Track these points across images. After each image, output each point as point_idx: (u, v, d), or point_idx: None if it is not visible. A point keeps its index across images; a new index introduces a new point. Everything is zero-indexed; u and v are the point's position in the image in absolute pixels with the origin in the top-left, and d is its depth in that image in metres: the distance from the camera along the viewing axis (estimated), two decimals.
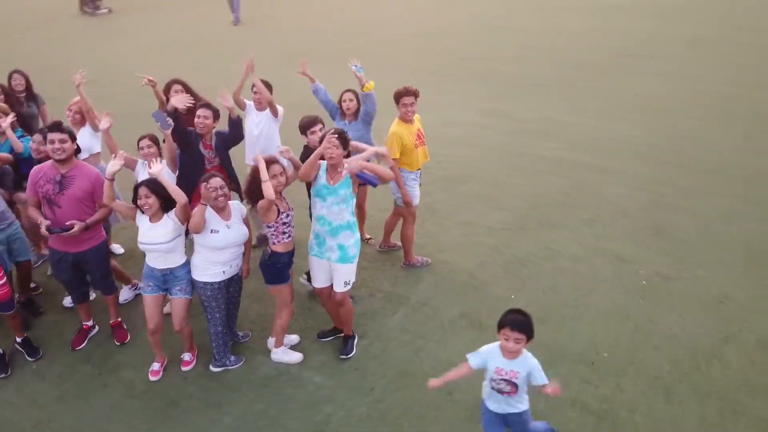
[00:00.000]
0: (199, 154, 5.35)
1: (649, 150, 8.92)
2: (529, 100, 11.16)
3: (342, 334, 5.16)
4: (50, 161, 4.65)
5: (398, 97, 5.53)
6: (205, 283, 4.57)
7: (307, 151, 5.18)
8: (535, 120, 10.17)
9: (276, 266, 4.56)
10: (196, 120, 5.38)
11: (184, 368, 4.98)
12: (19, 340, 5.11)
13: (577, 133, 9.56)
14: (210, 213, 4.43)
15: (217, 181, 4.37)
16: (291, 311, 4.83)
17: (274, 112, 6.11)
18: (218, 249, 4.47)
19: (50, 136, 4.49)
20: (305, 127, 5.27)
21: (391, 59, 13.82)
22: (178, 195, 4.36)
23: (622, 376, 4.83)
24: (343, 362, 5.00)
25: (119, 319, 5.31)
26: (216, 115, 5.44)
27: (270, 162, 4.41)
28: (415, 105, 5.54)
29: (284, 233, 4.53)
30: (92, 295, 5.43)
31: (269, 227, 4.48)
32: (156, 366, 4.94)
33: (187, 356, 5.03)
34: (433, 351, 5.13)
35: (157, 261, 4.54)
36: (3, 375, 4.86)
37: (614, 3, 19.33)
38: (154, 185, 4.40)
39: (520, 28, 16.95)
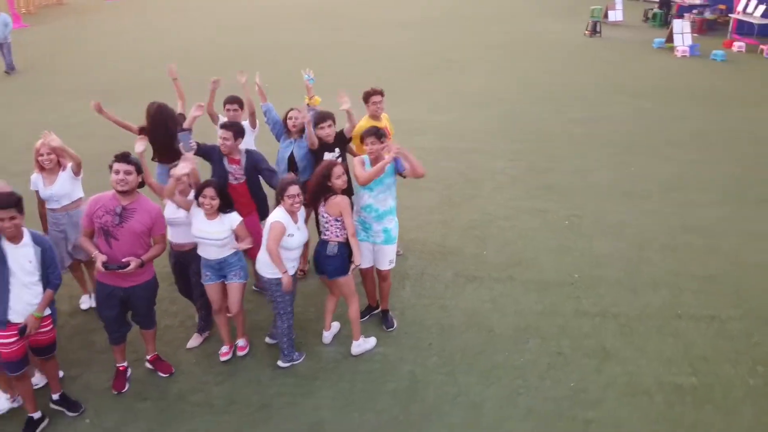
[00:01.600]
0: (222, 170, 5.38)
1: (502, 131, 10.82)
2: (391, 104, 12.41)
3: (377, 311, 5.69)
4: (111, 192, 4.44)
5: (367, 96, 6.16)
6: (273, 280, 4.82)
7: (321, 143, 5.65)
8: (405, 120, 11.47)
9: (344, 257, 4.97)
10: (219, 140, 5.37)
11: (240, 353, 5.23)
12: (55, 397, 4.63)
13: (443, 127, 11.10)
14: (286, 218, 4.73)
15: (294, 189, 4.69)
16: (357, 298, 5.23)
17: (253, 123, 6.31)
18: (291, 249, 4.77)
19: (116, 166, 4.33)
20: (317, 123, 5.67)
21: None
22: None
23: (595, 287, 6.24)
24: (391, 332, 5.56)
25: (156, 354, 5.10)
26: (237, 134, 5.36)
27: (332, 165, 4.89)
28: (382, 103, 6.25)
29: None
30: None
31: (337, 221, 4.89)
32: (225, 348, 5.19)
33: (241, 342, 5.27)
34: (454, 304, 5.95)
35: (209, 252, 4.84)
36: None
37: (424, 17, 21.92)
38: (221, 188, 4.73)
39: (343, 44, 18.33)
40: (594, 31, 19.48)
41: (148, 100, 6.15)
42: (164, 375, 5.01)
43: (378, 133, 5.16)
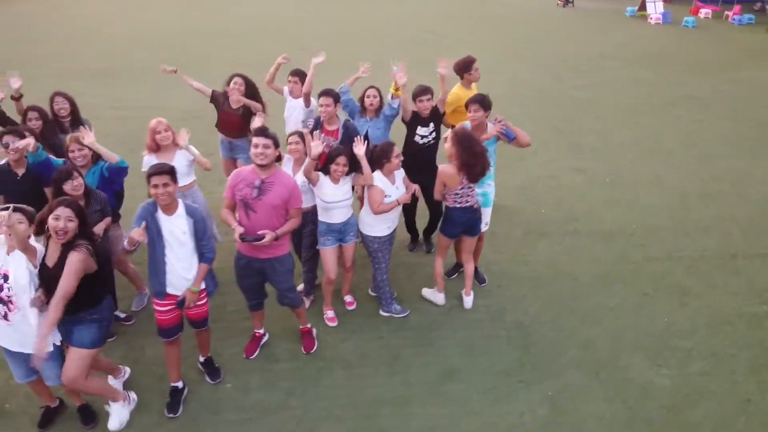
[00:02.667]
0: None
1: (512, 98, 11.24)
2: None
3: (461, 270, 5.99)
4: (251, 166, 4.52)
5: (470, 63, 6.23)
6: (375, 237, 5.14)
7: (415, 116, 5.82)
8: None
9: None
10: (320, 108, 5.52)
11: (348, 308, 5.53)
12: (201, 359, 4.87)
13: None
14: (384, 180, 5.03)
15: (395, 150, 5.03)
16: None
17: (307, 103, 6.44)
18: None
19: (255, 140, 4.38)
20: (416, 95, 5.84)
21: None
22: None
23: (654, 234, 6.76)
24: (485, 287, 5.91)
25: (307, 326, 5.24)
26: (336, 99, 5.54)
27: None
28: (478, 72, 6.30)
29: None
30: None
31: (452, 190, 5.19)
32: (330, 314, 5.43)
33: (349, 297, 5.57)
34: (534, 258, 6.34)
35: (337, 216, 5.05)
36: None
37: None
38: (352, 157, 4.95)
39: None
40: (566, 1, 20.12)
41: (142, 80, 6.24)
42: (304, 351, 5.12)
43: (483, 102, 5.38)
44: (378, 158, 5.08)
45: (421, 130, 5.81)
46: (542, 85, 12.08)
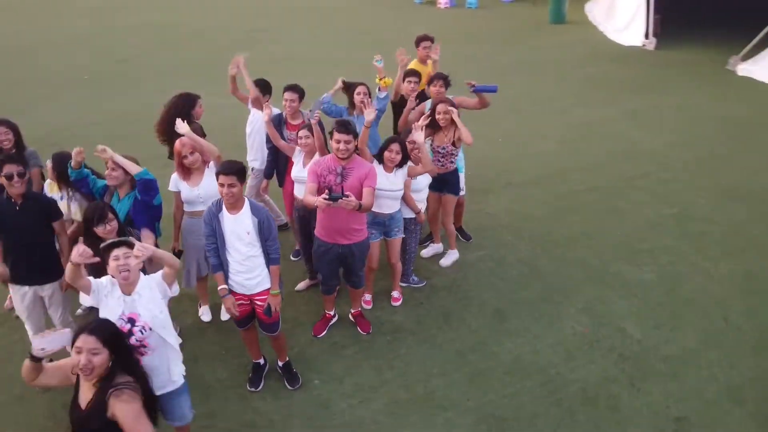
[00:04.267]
0: None
1: None
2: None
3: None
4: (331, 155, 4.81)
5: (418, 41, 6.88)
6: (409, 219, 5.58)
7: (402, 98, 6.29)
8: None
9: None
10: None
11: (394, 304, 5.69)
12: (280, 364, 4.86)
13: None
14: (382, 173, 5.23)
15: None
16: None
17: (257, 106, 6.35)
18: (419, 191, 5.55)
19: (337, 136, 4.62)
20: (406, 75, 6.26)
21: None
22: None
23: (562, 175, 8.13)
24: (472, 242, 6.64)
25: (359, 310, 5.42)
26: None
27: None
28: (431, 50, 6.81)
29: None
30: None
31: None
32: (368, 297, 5.68)
33: (396, 293, 5.76)
34: (488, 207, 7.32)
35: (385, 207, 5.25)
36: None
37: None
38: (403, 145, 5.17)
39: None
40: None
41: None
42: (363, 332, 5.31)
43: (447, 79, 6.06)
44: (380, 151, 5.30)
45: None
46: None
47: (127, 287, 3.53)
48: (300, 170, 5.38)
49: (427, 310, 5.58)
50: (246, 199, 4.27)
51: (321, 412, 4.53)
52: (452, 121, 5.62)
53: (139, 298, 3.54)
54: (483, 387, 4.72)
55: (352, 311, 5.41)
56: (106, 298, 3.53)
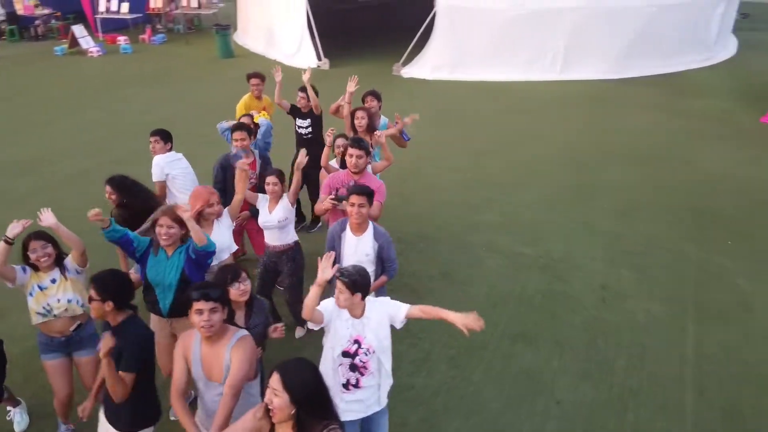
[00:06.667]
0: None
1: None
2: None
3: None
4: (346, 170, 5.23)
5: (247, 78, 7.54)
6: None
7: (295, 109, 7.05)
8: None
9: None
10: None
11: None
12: None
13: None
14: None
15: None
16: None
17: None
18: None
19: (350, 150, 5.07)
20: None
21: None
22: None
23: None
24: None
25: None
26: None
27: None
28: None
29: None
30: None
31: None
32: None
33: None
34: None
35: None
36: None
37: None
38: None
39: None
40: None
41: None
42: None
43: (376, 94, 6.81)
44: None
45: (299, 122, 7.24)
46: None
47: (354, 311, 3.65)
48: (266, 216, 5.26)
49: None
50: (370, 222, 4.48)
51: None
52: (368, 129, 6.18)
53: (368, 322, 3.63)
54: None
55: None
56: (335, 319, 3.67)
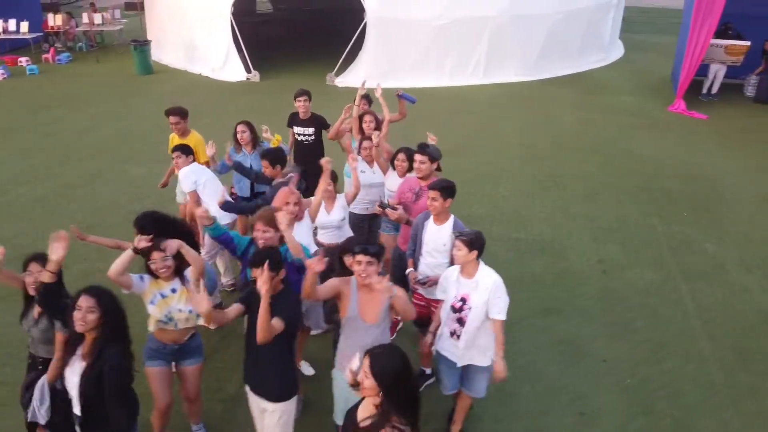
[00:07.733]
0: None
1: None
2: None
3: None
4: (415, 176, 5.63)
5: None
6: None
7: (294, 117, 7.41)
8: None
9: None
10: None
11: None
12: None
13: None
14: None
15: None
16: None
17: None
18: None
19: (415, 156, 5.48)
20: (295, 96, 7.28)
21: None
22: None
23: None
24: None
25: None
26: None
27: None
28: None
29: None
30: None
31: None
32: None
33: None
34: None
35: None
36: None
37: None
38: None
39: None
40: None
41: None
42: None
43: (368, 97, 7.06)
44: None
45: (298, 129, 7.49)
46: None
47: (467, 270, 4.30)
48: (325, 216, 5.67)
49: None
50: (451, 215, 4.83)
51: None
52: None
53: (476, 286, 4.22)
54: None
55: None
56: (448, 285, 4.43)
